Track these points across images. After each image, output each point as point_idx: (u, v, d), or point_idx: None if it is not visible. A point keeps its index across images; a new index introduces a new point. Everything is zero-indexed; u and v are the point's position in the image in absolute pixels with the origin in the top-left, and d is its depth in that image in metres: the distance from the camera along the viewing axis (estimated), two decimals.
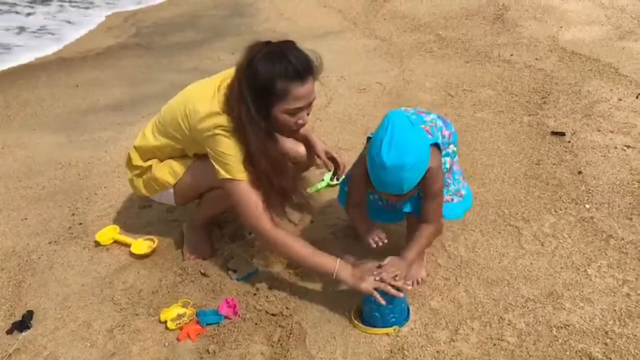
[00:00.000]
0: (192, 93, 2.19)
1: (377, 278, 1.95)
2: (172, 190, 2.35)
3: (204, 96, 2.09)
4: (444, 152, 2.14)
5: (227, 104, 2.03)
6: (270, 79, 1.90)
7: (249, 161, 2.04)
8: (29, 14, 8.15)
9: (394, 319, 1.98)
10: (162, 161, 2.36)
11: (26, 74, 5.70)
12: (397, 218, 2.27)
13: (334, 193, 2.81)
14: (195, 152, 2.28)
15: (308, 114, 2.06)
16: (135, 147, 2.41)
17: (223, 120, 2.02)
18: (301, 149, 2.51)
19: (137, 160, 2.39)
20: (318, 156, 2.53)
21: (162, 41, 6.33)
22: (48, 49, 6.56)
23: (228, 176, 2.04)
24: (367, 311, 2.01)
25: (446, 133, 2.17)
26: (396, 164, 1.78)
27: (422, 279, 2.17)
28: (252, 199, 2.05)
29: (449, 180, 2.14)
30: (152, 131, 2.33)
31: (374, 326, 1.99)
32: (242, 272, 2.35)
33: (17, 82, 5.39)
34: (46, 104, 4.72)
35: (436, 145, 2.03)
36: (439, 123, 2.15)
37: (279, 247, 2.08)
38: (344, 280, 2.00)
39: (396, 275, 1.96)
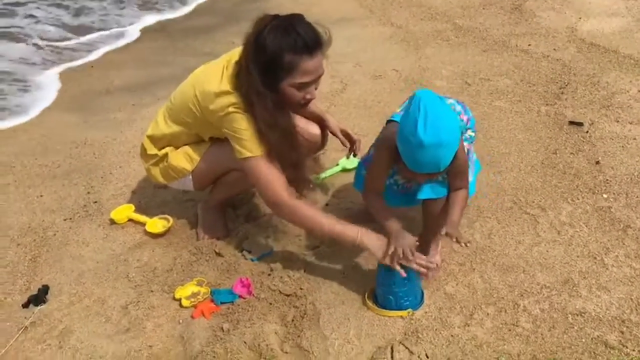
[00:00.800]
0: (200, 76, 2.18)
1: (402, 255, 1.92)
2: (190, 177, 2.34)
3: (212, 77, 2.07)
4: (462, 137, 2.13)
5: (235, 81, 2.02)
6: (278, 52, 1.88)
7: (260, 136, 2.03)
8: None
9: (407, 302, 1.98)
10: (177, 148, 2.34)
11: (39, 54, 5.70)
12: (412, 202, 2.25)
13: (348, 178, 2.80)
14: (210, 136, 2.26)
15: (316, 89, 2.04)
16: (148, 136, 2.38)
17: (233, 98, 2.01)
18: (315, 129, 2.48)
19: (151, 149, 2.36)
20: (334, 134, 2.52)
21: (177, 25, 6.32)
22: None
23: (247, 154, 2.03)
24: (381, 294, 2.01)
25: (464, 118, 2.16)
26: (434, 142, 1.75)
27: (437, 265, 2.16)
28: (272, 172, 2.04)
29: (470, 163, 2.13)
30: (164, 118, 2.31)
31: (388, 309, 1.99)
32: (256, 253, 2.35)
33: (30, 64, 5.39)
34: (61, 85, 4.73)
35: None
36: (458, 108, 2.14)
37: (301, 217, 2.05)
38: (368, 245, 1.98)
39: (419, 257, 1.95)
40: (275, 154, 2.04)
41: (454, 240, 1.92)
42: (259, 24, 1.93)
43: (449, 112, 1.84)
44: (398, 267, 1.91)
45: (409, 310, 1.98)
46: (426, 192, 2.07)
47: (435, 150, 1.77)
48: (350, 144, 2.55)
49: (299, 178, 2.17)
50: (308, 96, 2.01)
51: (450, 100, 2.13)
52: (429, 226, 2.16)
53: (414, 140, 1.76)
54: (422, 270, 1.94)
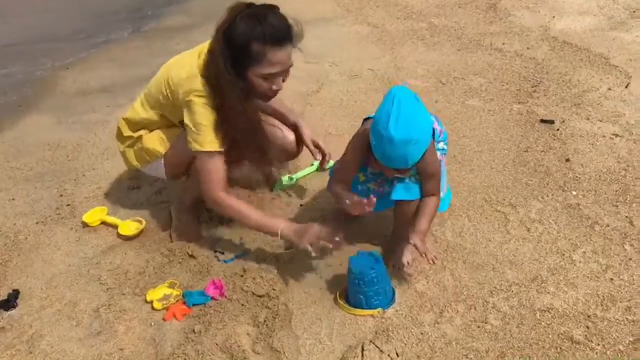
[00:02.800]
0: (174, 62, 2.21)
1: (315, 236, 2.03)
2: (162, 161, 2.35)
3: (184, 63, 2.11)
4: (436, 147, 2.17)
5: (205, 67, 2.04)
6: (247, 40, 1.90)
7: (226, 121, 2.06)
8: None
9: (377, 302, 1.99)
10: (151, 132, 2.36)
11: (13, 54, 5.64)
12: (384, 205, 2.27)
13: (323, 178, 2.80)
14: (181, 120, 2.24)
15: (284, 81, 2.06)
16: (124, 118, 2.40)
17: (199, 84, 2.03)
18: (291, 136, 2.51)
19: (126, 132, 2.38)
20: (305, 144, 2.52)
21: (152, 25, 6.28)
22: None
23: (197, 147, 2.09)
24: (352, 293, 2.02)
25: (437, 128, 2.18)
26: (404, 138, 1.80)
27: (408, 263, 2.17)
28: (215, 169, 2.12)
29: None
30: (141, 103, 2.34)
31: (359, 308, 2.00)
32: (229, 255, 2.35)
33: (5, 63, 5.33)
34: (36, 86, 4.68)
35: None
36: (431, 118, 2.17)
37: (231, 210, 2.16)
38: (287, 236, 2.10)
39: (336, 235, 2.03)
40: (240, 140, 2.09)
41: (422, 255, 1.98)
42: (231, 11, 1.95)
43: (421, 110, 1.88)
44: (309, 247, 2.03)
45: (380, 309, 1.99)
46: (400, 193, 2.09)
47: (404, 146, 1.81)
48: (322, 156, 2.54)
49: (264, 162, 2.28)
50: (274, 87, 2.04)
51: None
52: (401, 227, 2.18)
53: (385, 135, 1.81)
54: (328, 246, 2.02)
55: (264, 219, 2.15)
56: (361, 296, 1.98)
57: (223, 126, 2.07)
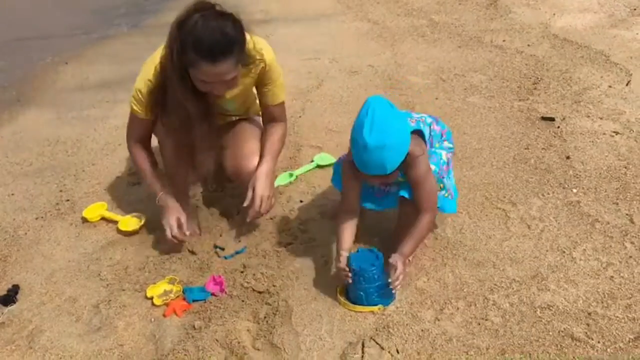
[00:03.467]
0: None
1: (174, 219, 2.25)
2: None
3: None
4: (439, 146, 2.19)
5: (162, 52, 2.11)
6: (185, 45, 1.93)
7: (166, 106, 2.13)
8: None
9: (378, 299, 1.99)
10: None
11: (12, 49, 5.63)
12: (387, 205, 2.26)
13: (323, 174, 2.81)
14: None
15: (230, 88, 2.10)
16: None
17: (156, 57, 2.12)
18: (241, 164, 2.44)
19: None
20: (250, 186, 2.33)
21: (152, 21, 6.28)
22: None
23: (132, 107, 2.24)
24: (352, 290, 2.02)
25: (437, 128, 2.19)
26: (377, 144, 1.80)
27: (408, 260, 2.18)
28: (132, 125, 2.31)
29: (443, 174, 2.14)
30: None
31: (359, 304, 2.00)
32: (229, 251, 2.35)
33: (4, 58, 5.32)
34: (35, 81, 4.67)
35: (419, 133, 2.07)
36: (429, 120, 2.20)
37: (134, 161, 2.38)
38: (159, 205, 2.31)
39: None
40: (170, 127, 2.19)
41: (394, 273, 1.95)
42: (188, 9, 1.96)
43: (396, 117, 1.88)
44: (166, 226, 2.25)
45: (380, 306, 1.99)
46: (407, 191, 2.07)
47: (379, 152, 1.82)
48: (249, 206, 2.31)
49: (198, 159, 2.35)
50: (215, 92, 2.07)
51: (421, 114, 2.18)
52: (402, 227, 2.18)
53: (360, 142, 1.83)
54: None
55: (152, 180, 2.33)
56: (361, 293, 1.98)
57: (159, 102, 2.15)
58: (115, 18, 6.59)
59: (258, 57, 2.17)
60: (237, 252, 2.35)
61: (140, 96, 2.18)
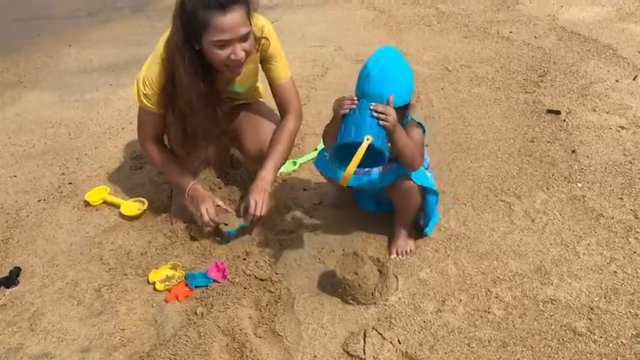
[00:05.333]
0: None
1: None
2: None
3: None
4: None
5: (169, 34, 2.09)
6: (194, 10, 1.93)
7: (170, 91, 2.10)
8: None
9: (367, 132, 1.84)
10: None
11: (17, 30, 5.60)
12: (383, 208, 2.31)
13: None
14: None
15: (246, 50, 2.04)
16: None
17: (162, 46, 2.09)
18: (252, 147, 2.47)
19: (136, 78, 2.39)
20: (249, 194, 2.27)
21: (155, 5, 6.23)
22: None
23: (135, 97, 2.20)
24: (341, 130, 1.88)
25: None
26: (379, 74, 1.88)
27: (410, 250, 2.18)
28: (144, 121, 2.27)
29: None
30: None
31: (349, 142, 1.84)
32: (233, 226, 2.33)
33: (7, 40, 5.30)
34: (37, 63, 4.65)
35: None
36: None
37: (153, 160, 2.36)
38: (189, 197, 2.27)
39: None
40: (179, 113, 2.14)
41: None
42: None
43: (403, 63, 1.96)
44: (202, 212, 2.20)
45: (368, 137, 1.81)
46: (389, 177, 2.08)
47: (379, 82, 1.88)
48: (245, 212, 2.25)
49: (203, 146, 2.31)
50: (233, 56, 2.02)
51: None
52: (398, 214, 2.21)
53: (363, 73, 1.91)
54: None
55: (179, 178, 2.30)
56: (352, 127, 1.84)
57: (168, 92, 2.12)
58: (119, 1, 6.54)
59: (261, 35, 2.18)
60: (241, 226, 2.33)
61: (150, 89, 2.14)
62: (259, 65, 2.33)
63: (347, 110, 1.88)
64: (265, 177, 2.25)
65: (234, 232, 2.32)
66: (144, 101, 2.17)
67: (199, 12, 1.92)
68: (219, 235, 2.33)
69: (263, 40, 2.20)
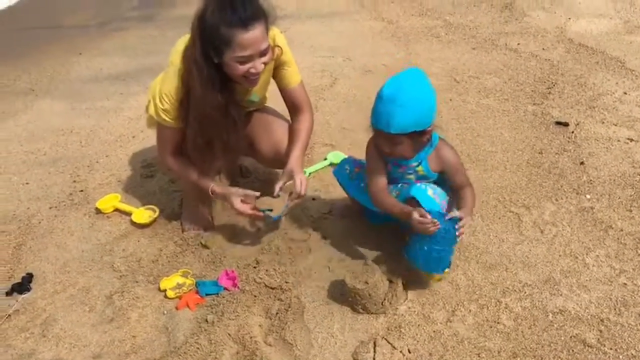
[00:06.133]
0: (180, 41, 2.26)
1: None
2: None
3: (185, 40, 2.15)
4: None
5: (185, 49, 2.10)
6: (215, 27, 1.94)
7: (187, 106, 2.12)
8: None
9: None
10: None
11: (28, 40, 5.66)
12: (394, 219, 2.26)
13: None
14: None
15: (265, 63, 2.08)
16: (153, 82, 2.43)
17: (178, 59, 2.11)
18: (276, 147, 2.50)
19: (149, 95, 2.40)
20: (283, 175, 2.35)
21: (166, 13, 6.29)
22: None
23: (152, 113, 2.21)
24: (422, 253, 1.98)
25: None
26: (391, 96, 1.88)
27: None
28: (162, 137, 2.28)
29: None
30: None
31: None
32: (277, 211, 2.33)
33: (19, 48, 5.36)
34: (48, 72, 4.70)
35: None
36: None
37: (175, 172, 2.39)
38: (217, 192, 2.28)
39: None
40: (195, 126, 2.15)
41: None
42: (202, 2, 1.98)
43: (423, 86, 1.92)
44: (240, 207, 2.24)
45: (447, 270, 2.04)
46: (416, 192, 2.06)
47: (390, 104, 1.88)
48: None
49: (220, 159, 2.31)
50: (252, 70, 2.05)
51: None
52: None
53: (379, 92, 1.91)
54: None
55: (201, 183, 2.30)
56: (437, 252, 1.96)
57: (186, 105, 2.13)
58: (129, 10, 6.61)
59: (274, 44, 2.19)
60: (286, 206, 2.33)
61: (169, 104, 2.15)
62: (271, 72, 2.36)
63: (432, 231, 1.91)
64: (299, 158, 2.31)
65: (280, 216, 2.32)
66: (163, 116, 2.18)
67: (221, 29, 1.93)
68: (262, 220, 2.37)
69: (277, 49, 2.22)
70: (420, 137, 1.97)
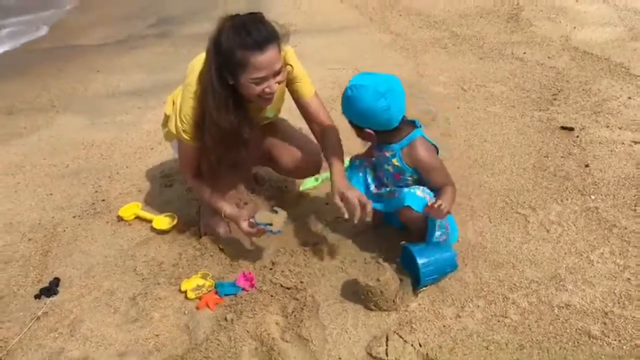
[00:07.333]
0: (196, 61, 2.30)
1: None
2: (175, 142, 2.49)
3: (200, 59, 2.21)
4: None
5: (201, 70, 2.17)
6: (231, 50, 2.01)
7: (203, 126, 2.20)
8: None
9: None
10: None
11: (48, 59, 5.85)
12: (397, 204, 2.33)
13: None
14: None
15: (280, 83, 2.16)
16: (171, 96, 2.54)
17: (195, 80, 2.19)
18: (288, 163, 2.61)
19: (168, 109, 2.51)
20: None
21: (180, 31, 6.46)
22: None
23: (173, 131, 2.32)
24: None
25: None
26: (355, 83, 2.06)
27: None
28: (184, 154, 2.39)
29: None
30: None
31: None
32: (277, 225, 2.33)
33: (40, 67, 5.55)
34: (68, 88, 4.86)
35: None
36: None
37: (194, 189, 2.52)
38: (227, 214, 2.37)
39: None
40: (211, 146, 2.23)
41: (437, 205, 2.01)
42: (219, 24, 2.06)
43: (393, 82, 2.07)
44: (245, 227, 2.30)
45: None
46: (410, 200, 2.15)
47: (353, 91, 2.06)
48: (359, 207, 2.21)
49: (235, 174, 2.41)
50: (267, 89, 2.12)
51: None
52: (415, 232, 2.28)
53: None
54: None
55: (212, 201, 2.40)
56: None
57: (202, 125, 2.21)
58: (145, 29, 6.80)
59: (285, 62, 2.26)
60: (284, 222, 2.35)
61: (187, 124, 2.24)
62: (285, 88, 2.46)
63: None
64: (345, 178, 2.30)
65: (280, 230, 2.34)
66: (184, 136, 2.27)
67: (237, 52, 2.00)
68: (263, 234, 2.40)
69: (288, 68, 2.30)
70: (360, 132, 2.16)
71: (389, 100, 2.04)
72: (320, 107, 2.46)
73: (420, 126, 2.21)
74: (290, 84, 2.41)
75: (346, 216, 2.17)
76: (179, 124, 2.26)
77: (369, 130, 2.15)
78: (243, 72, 2.05)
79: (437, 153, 2.22)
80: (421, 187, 2.16)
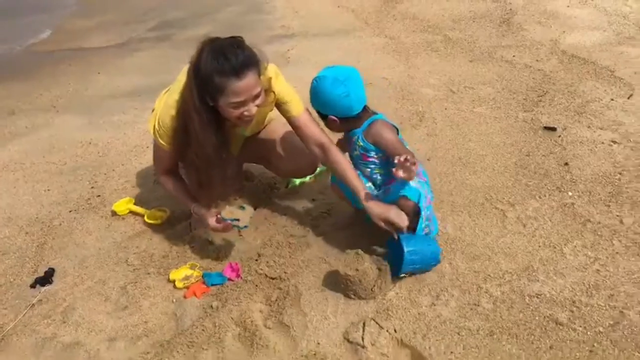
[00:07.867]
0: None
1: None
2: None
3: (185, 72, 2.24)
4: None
5: (182, 88, 2.20)
6: (209, 75, 2.03)
7: (180, 136, 2.23)
8: None
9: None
10: None
11: (51, 60, 5.97)
12: (392, 197, 2.44)
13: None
14: None
15: (258, 106, 2.17)
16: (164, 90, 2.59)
17: (178, 90, 2.22)
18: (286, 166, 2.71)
19: (157, 104, 2.53)
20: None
21: (180, 34, 6.58)
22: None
23: (151, 131, 2.38)
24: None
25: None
26: (319, 75, 2.28)
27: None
28: (158, 156, 2.47)
29: (425, 204, 2.26)
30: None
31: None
32: (244, 221, 2.49)
33: (42, 69, 5.67)
34: (69, 89, 4.97)
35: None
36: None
37: (165, 189, 2.56)
38: (195, 212, 2.44)
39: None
40: (192, 164, 2.28)
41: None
42: (198, 47, 2.09)
43: (354, 74, 2.32)
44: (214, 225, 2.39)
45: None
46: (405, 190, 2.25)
47: (317, 82, 2.27)
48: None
49: (210, 191, 2.38)
50: (246, 113, 2.14)
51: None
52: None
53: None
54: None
55: (184, 201, 2.48)
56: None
57: (180, 140, 2.25)
58: (145, 32, 6.92)
59: (270, 88, 2.31)
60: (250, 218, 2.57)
61: (163, 129, 2.29)
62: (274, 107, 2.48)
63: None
64: (373, 200, 2.28)
65: (247, 225, 2.51)
66: (158, 139, 2.33)
67: (215, 78, 2.02)
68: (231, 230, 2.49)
69: (271, 96, 2.33)
70: (326, 120, 2.36)
71: (347, 87, 2.24)
72: (310, 122, 2.42)
73: (382, 116, 2.37)
74: (279, 106, 2.42)
75: (396, 236, 2.22)
76: (156, 126, 2.31)
77: (332, 117, 2.32)
78: (221, 96, 2.08)
79: (398, 134, 2.35)
80: (415, 178, 2.23)
